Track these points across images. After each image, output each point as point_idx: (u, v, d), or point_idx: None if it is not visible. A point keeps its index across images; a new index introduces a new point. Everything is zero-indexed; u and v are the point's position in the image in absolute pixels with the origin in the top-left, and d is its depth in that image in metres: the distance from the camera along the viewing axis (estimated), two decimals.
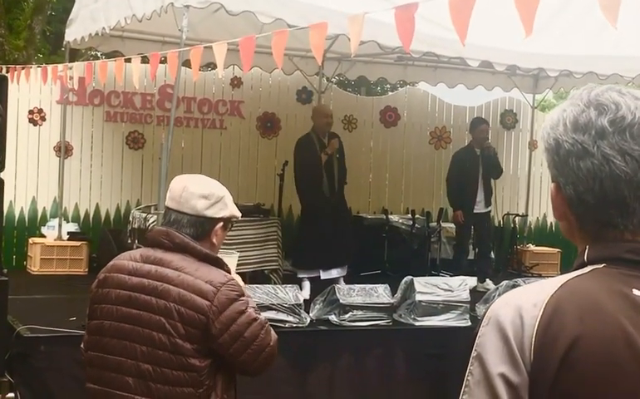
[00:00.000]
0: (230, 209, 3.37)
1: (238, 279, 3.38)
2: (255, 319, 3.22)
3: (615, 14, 3.88)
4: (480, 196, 10.85)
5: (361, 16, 5.43)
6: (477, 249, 11.30)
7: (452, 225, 11.90)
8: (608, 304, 1.59)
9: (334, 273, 9.79)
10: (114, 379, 3.19)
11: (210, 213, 3.29)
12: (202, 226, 3.28)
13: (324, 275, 9.61)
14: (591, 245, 1.69)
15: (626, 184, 1.64)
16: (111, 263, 3.40)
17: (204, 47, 6.29)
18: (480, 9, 5.02)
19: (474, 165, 10.77)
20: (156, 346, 3.12)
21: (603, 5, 3.90)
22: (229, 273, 3.31)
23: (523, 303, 1.61)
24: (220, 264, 3.28)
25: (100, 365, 3.25)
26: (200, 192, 3.31)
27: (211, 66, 10.96)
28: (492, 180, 11.04)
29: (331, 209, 9.94)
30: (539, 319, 1.58)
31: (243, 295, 3.24)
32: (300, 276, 9.62)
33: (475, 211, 10.82)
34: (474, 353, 1.62)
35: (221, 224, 3.33)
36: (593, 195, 1.66)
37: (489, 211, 11.23)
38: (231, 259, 3.52)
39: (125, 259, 3.33)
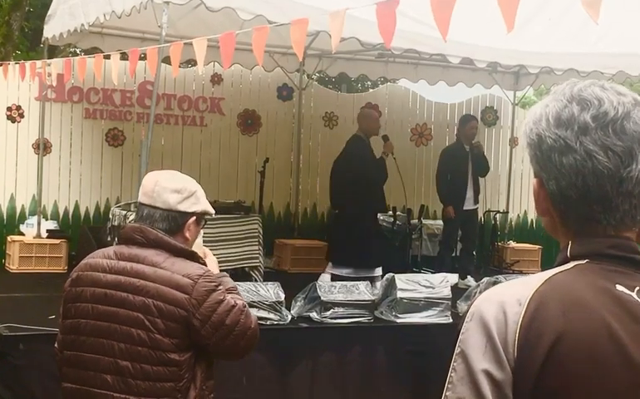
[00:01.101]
0: (203, 205, 3.36)
1: (210, 258, 3.38)
2: (234, 305, 3.23)
3: (597, 10, 3.88)
4: (470, 193, 10.85)
5: (342, 12, 5.42)
6: (461, 246, 11.30)
7: (434, 222, 11.90)
8: (592, 300, 1.59)
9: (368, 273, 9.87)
10: (92, 377, 3.17)
11: (183, 207, 3.28)
12: (175, 221, 3.27)
13: (357, 273, 9.66)
14: (574, 241, 1.68)
15: (608, 180, 1.63)
16: (84, 261, 3.37)
17: (184, 44, 6.25)
18: (462, 6, 5.03)
19: (463, 162, 10.78)
20: (135, 342, 3.11)
21: (585, 1, 3.90)
22: (205, 265, 3.29)
23: (506, 299, 1.61)
24: (195, 258, 3.28)
25: (77, 364, 3.23)
26: (173, 186, 3.29)
27: (191, 62, 10.92)
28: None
29: (375, 209, 10.25)
30: (522, 315, 1.58)
31: (220, 285, 3.23)
32: (329, 270, 9.59)
33: (464, 208, 10.82)
34: (457, 349, 1.62)
35: (194, 218, 3.32)
36: (576, 191, 1.65)
37: (477, 208, 11.26)
38: (197, 243, 3.50)
39: (99, 257, 3.31)
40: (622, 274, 1.62)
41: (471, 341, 1.60)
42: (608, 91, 1.67)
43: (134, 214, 8.55)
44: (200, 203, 3.34)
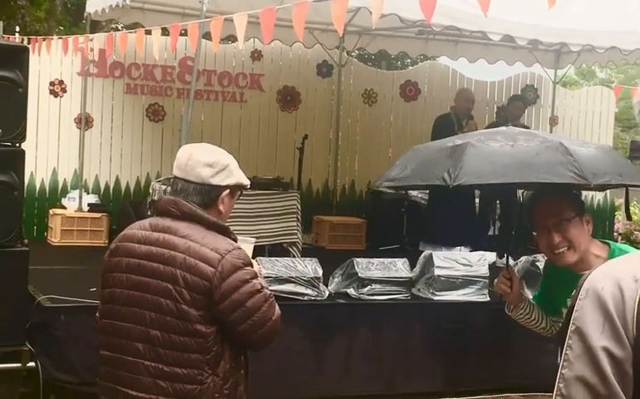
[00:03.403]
0: (236, 177, 3.36)
1: (255, 263, 3.37)
2: (259, 291, 3.22)
3: None
4: None
5: None
6: (500, 224, 11.27)
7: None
8: None
9: (457, 251, 9.99)
10: (124, 345, 3.22)
11: (216, 181, 3.30)
12: (208, 194, 3.29)
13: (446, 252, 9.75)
14: None
15: None
16: (123, 232, 3.43)
17: (225, 19, 6.28)
18: None
19: None
20: (164, 312, 3.15)
21: None
22: (236, 241, 3.31)
23: (621, 276, 1.58)
24: (228, 233, 3.29)
25: (112, 332, 3.29)
26: (205, 160, 3.31)
27: (232, 38, 10.95)
28: None
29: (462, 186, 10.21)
30: (639, 292, 1.55)
31: (249, 265, 3.24)
32: (422, 250, 9.66)
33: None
34: (572, 327, 1.57)
35: (227, 191, 3.33)
36: None
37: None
38: (247, 246, 3.50)
39: (136, 229, 3.36)
40: None
41: (588, 318, 1.57)
42: None
43: None
44: (234, 176, 3.35)
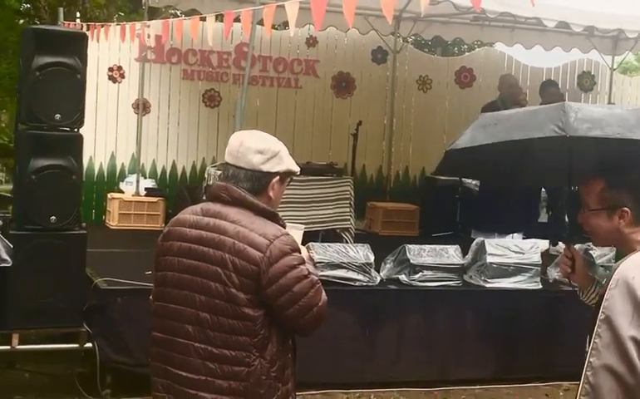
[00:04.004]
0: (287, 164, 3.41)
1: (303, 249, 3.42)
2: (306, 276, 3.26)
3: None
4: None
5: None
6: (551, 212, 11.21)
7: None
8: None
9: (509, 238, 10.05)
10: (175, 327, 3.30)
11: (266, 167, 3.35)
12: (258, 180, 3.34)
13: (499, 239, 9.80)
14: None
15: None
16: (175, 217, 3.51)
17: (277, 6, 6.34)
18: None
19: None
20: (213, 295, 3.22)
21: None
22: (284, 227, 3.36)
23: None
24: (276, 219, 3.35)
25: (163, 314, 3.37)
26: (256, 147, 3.36)
27: (286, 24, 11.00)
28: None
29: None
30: None
31: (297, 251, 3.29)
32: (474, 237, 9.71)
33: None
34: (601, 316, 1.59)
35: (277, 178, 3.38)
36: None
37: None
38: (296, 232, 3.55)
39: (188, 213, 3.43)
40: None
41: (617, 308, 1.60)
42: None
43: None
44: (284, 162, 3.40)
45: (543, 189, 11.07)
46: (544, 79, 13.01)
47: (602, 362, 1.57)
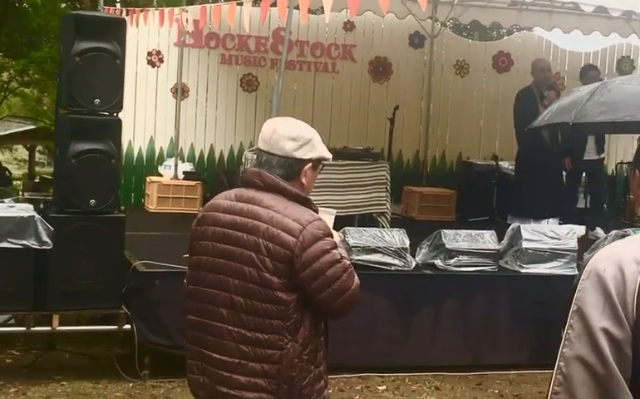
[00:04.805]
0: (319, 151, 3.46)
1: (335, 233, 3.47)
2: (339, 261, 3.31)
3: None
4: (591, 143, 10.70)
5: None
6: (589, 197, 11.17)
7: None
8: None
9: (544, 223, 10.09)
10: (209, 310, 3.37)
11: (299, 154, 3.39)
12: (291, 167, 3.39)
13: (535, 224, 9.81)
14: None
15: None
16: (209, 202, 3.58)
17: (310, 8, 6.37)
18: None
19: None
20: (247, 279, 3.28)
21: None
22: (317, 212, 3.41)
23: (623, 258, 1.61)
24: (309, 204, 3.39)
25: (198, 297, 3.43)
26: (289, 134, 3.41)
27: (323, 10, 11.03)
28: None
29: (549, 159, 10.53)
30: None
31: (329, 235, 3.33)
32: (510, 223, 9.72)
33: (585, 158, 10.69)
34: (574, 307, 1.61)
35: (310, 165, 3.43)
36: None
37: (602, 159, 11.09)
38: (328, 217, 3.60)
39: (221, 198, 3.49)
40: None
41: (589, 299, 1.61)
42: None
43: None
44: (316, 149, 3.45)
45: (583, 174, 11.03)
46: (583, 63, 12.96)
47: (574, 352, 1.60)
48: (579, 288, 1.64)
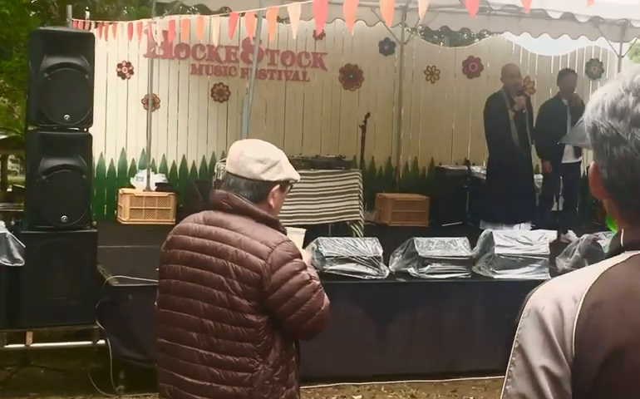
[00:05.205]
0: (286, 172, 3.48)
1: (304, 253, 3.49)
2: (308, 282, 3.33)
3: None
4: (569, 147, 10.79)
5: None
6: (563, 200, 11.25)
7: (539, 177, 11.83)
8: None
9: (517, 228, 10.20)
10: (180, 334, 3.38)
11: (266, 176, 3.42)
12: (259, 189, 3.42)
13: (507, 229, 9.87)
14: (627, 229, 1.69)
15: None
16: (178, 225, 3.61)
17: (279, 17, 6.39)
18: None
19: (561, 116, 10.71)
20: (216, 302, 3.29)
21: None
22: (285, 234, 3.42)
23: (561, 296, 1.63)
24: (277, 226, 3.42)
25: (168, 321, 3.45)
26: (256, 157, 3.44)
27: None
28: None
29: (520, 164, 10.67)
30: (578, 313, 1.60)
31: (298, 257, 3.35)
32: (483, 228, 9.76)
33: (563, 161, 10.78)
34: (515, 344, 1.65)
35: (277, 186, 3.45)
36: (625, 181, 1.66)
37: (579, 162, 11.19)
38: (297, 237, 3.63)
39: (190, 221, 3.51)
40: None
41: (529, 337, 1.63)
42: None
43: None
44: (284, 171, 3.47)
45: (561, 177, 11.11)
46: (552, 67, 13.10)
47: (516, 390, 1.64)
48: (520, 325, 1.67)
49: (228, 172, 3.48)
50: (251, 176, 3.41)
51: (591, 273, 1.65)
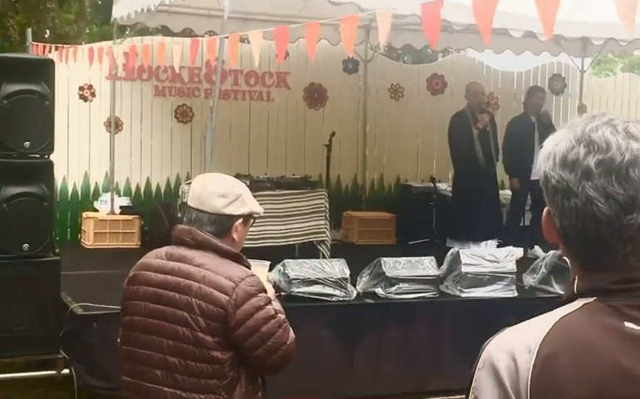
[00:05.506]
0: (249, 206, 3.45)
1: (269, 287, 3.45)
2: (273, 316, 3.30)
3: (631, 21, 3.89)
4: (537, 163, 10.81)
5: (389, 12, 5.49)
6: (530, 216, 11.29)
7: (502, 192, 11.86)
8: (602, 343, 1.59)
9: (483, 245, 10.21)
10: (144, 372, 3.33)
11: (229, 210, 3.38)
12: (222, 223, 3.38)
13: (474, 247, 9.84)
14: (580, 276, 1.69)
15: (607, 227, 1.63)
16: (140, 261, 3.54)
17: (242, 39, 6.37)
18: None
19: (529, 133, 10.76)
20: (181, 339, 3.25)
21: (620, 11, 3.92)
22: (249, 268, 3.39)
23: (515, 347, 1.62)
24: (241, 260, 3.38)
25: (132, 359, 3.40)
26: (218, 191, 3.40)
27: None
28: None
29: (485, 181, 10.70)
30: (532, 363, 1.59)
31: (263, 291, 3.32)
32: (450, 246, 9.73)
33: (531, 178, 10.81)
34: (471, 396, 1.64)
35: (241, 220, 3.42)
36: (576, 232, 1.66)
37: None
38: (261, 270, 3.60)
39: (152, 257, 3.47)
40: (631, 308, 1.61)
41: (484, 389, 1.62)
42: (619, 133, 1.64)
43: None
44: (246, 205, 3.44)
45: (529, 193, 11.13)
46: (515, 83, 13.18)
47: None
48: (475, 377, 1.66)
49: (190, 207, 3.44)
50: (214, 210, 3.37)
51: (545, 322, 1.64)
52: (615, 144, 1.63)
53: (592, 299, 1.65)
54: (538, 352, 1.60)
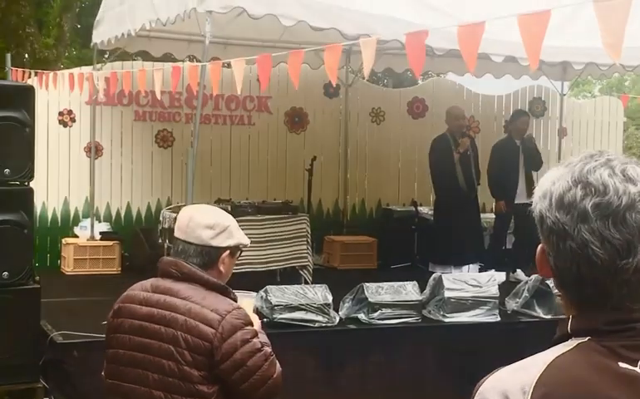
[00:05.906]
0: (236, 238, 3.42)
1: (255, 319, 3.41)
2: (260, 350, 3.26)
3: (618, 51, 3.90)
4: (521, 187, 10.83)
5: (374, 41, 5.50)
6: (513, 239, 11.30)
7: (485, 215, 11.87)
8: (597, 384, 1.58)
9: (465, 269, 10.20)
10: None
11: (216, 242, 3.35)
12: (208, 255, 3.35)
13: (456, 271, 9.82)
14: (574, 315, 1.67)
15: (603, 270, 1.61)
16: (125, 293, 3.49)
17: (223, 64, 6.36)
18: (503, 4, 4.97)
19: (514, 156, 10.79)
20: (166, 373, 3.20)
21: (607, 42, 3.93)
22: (236, 301, 3.35)
23: (510, 388, 1.60)
24: (227, 293, 3.34)
25: (116, 392, 3.35)
26: (205, 222, 3.36)
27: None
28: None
29: (467, 204, 10.72)
30: None
31: (249, 324, 3.28)
32: (432, 271, 9.70)
33: (516, 202, 10.82)
34: None
35: (227, 252, 3.39)
36: (571, 274, 1.64)
37: (531, 202, 11.22)
38: (248, 302, 3.57)
39: (137, 290, 3.42)
40: (626, 348, 1.60)
41: None
42: (617, 176, 1.62)
43: None
44: (234, 237, 3.40)
45: (513, 216, 11.14)
46: (496, 106, 13.21)
47: None
48: None
49: (176, 238, 3.40)
50: (200, 242, 3.33)
51: (539, 362, 1.63)
52: (612, 187, 1.62)
53: (586, 339, 1.64)
54: (532, 393, 1.58)
